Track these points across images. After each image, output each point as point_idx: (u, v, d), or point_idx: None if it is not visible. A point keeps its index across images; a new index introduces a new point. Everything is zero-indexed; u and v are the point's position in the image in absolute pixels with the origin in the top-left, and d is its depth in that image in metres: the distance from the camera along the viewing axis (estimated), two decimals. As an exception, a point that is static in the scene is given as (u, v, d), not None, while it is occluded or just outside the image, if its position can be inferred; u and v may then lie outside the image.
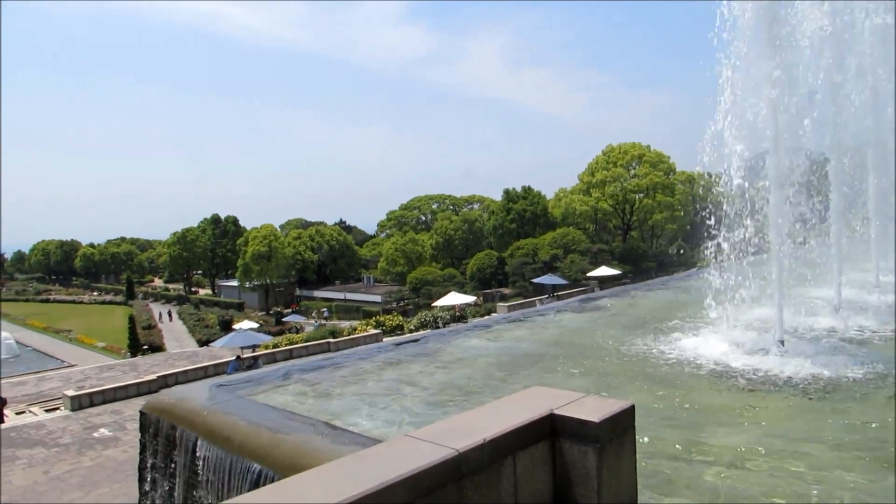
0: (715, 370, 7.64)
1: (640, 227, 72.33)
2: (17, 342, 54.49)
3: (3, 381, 36.09)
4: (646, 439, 5.07)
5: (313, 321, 60.77)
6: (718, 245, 9.01)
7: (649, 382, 7.25)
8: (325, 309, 68.68)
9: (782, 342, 8.30)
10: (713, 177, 9.10)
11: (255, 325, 47.56)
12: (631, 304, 13.56)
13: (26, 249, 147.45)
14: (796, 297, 10.06)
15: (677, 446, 5.15)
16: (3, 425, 23.33)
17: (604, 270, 52.50)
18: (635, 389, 6.94)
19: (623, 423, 3.68)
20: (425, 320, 41.21)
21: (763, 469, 4.66)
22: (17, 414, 25.57)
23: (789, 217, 8.65)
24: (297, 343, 36.47)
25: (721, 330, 9.19)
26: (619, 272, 53.58)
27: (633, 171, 67.49)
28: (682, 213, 64.59)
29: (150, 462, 6.91)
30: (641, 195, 66.70)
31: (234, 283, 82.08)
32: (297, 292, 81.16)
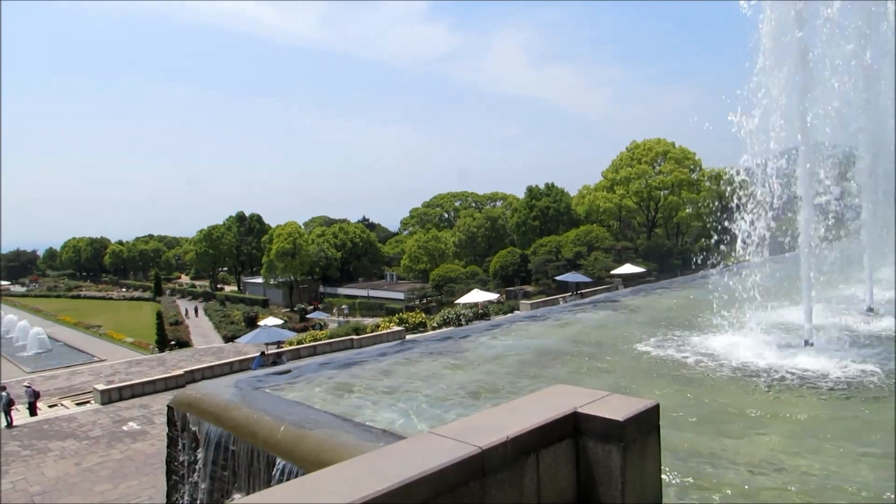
0: (740, 370, 7.52)
1: (665, 225, 71.44)
2: (50, 337, 55.86)
3: (36, 374, 37.10)
4: (670, 439, 5.01)
5: (336, 318, 61.25)
6: (744, 243, 8.86)
7: (674, 382, 7.16)
8: (345, 306, 69.18)
9: (810, 342, 8.14)
10: (741, 173, 8.94)
11: (280, 322, 48.11)
12: (655, 302, 13.41)
13: (58, 247, 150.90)
14: (826, 296, 9.84)
15: (702, 447, 5.08)
16: (37, 417, 23.97)
17: (628, 268, 52.10)
18: (659, 388, 6.86)
19: (647, 423, 3.64)
20: (448, 317, 41.26)
21: (790, 470, 4.58)
22: (50, 407, 26.24)
23: (819, 214, 8.47)
24: (321, 339, 36.85)
25: (747, 329, 9.04)
26: (644, 270, 53.11)
27: (657, 168, 66.62)
28: (708, 210, 63.67)
29: (177, 455, 7.03)
30: (666, 192, 65.84)
31: (259, 279, 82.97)
32: (321, 289, 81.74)
